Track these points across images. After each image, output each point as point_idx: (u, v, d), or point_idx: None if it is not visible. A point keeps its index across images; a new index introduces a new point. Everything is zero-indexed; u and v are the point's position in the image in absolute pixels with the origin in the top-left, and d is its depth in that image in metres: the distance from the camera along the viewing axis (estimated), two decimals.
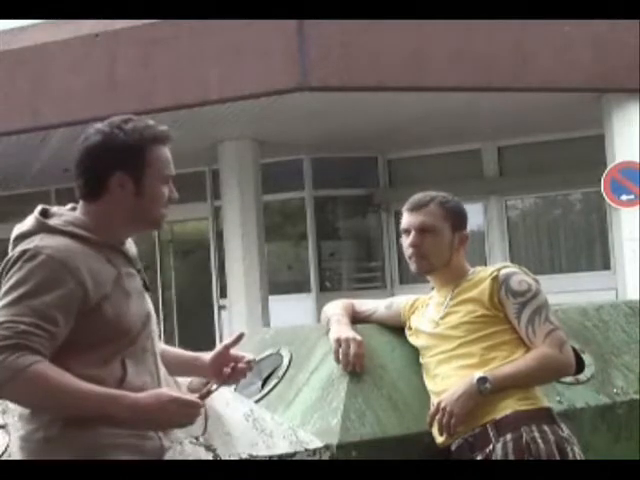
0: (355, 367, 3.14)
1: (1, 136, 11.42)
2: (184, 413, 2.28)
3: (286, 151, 13.55)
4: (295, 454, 2.85)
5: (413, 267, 3.16)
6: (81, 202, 2.39)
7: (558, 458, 2.80)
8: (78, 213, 2.38)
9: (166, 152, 2.40)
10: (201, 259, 15.00)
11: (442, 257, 3.12)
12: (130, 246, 2.45)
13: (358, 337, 3.19)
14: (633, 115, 10.81)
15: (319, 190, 14.50)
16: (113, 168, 2.33)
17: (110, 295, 2.28)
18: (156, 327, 2.46)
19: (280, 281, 14.21)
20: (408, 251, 3.14)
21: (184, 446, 2.48)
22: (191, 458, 2.51)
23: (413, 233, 3.12)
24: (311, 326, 3.87)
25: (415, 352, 3.20)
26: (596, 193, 11.78)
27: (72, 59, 10.84)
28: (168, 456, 2.36)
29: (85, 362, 2.25)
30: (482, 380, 2.88)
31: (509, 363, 2.94)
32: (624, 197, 10.90)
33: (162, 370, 2.43)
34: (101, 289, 2.26)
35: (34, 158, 12.76)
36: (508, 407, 2.88)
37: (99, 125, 2.38)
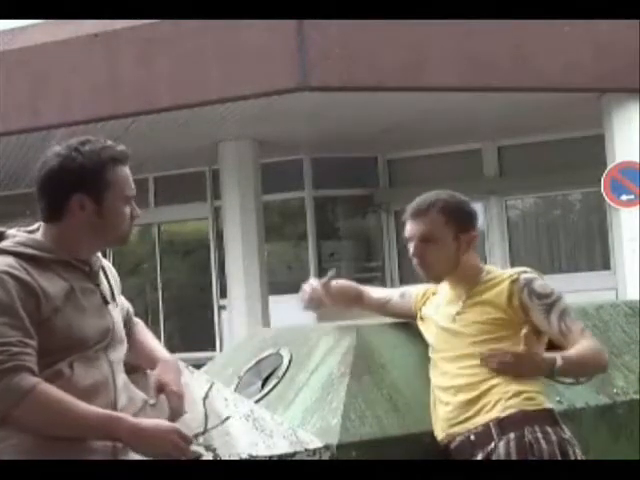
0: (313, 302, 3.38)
1: (1, 136, 11.41)
2: (179, 446, 2.28)
3: (286, 151, 13.54)
4: (295, 454, 2.84)
5: (421, 276, 3.14)
6: (43, 224, 2.41)
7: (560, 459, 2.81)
8: (37, 234, 2.39)
9: (126, 172, 2.41)
10: (201, 259, 14.99)
11: (447, 265, 3.08)
12: (96, 261, 2.45)
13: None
14: (633, 115, 10.80)
15: (319, 190, 14.49)
16: (72, 190, 2.35)
17: (61, 309, 2.28)
18: (122, 338, 2.45)
19: (280, 281, 14.18)
20: (413, 260, 3.12)
21: None
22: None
23: (414, 243, 3.09)
24: (311, 326, 3.86)
25: (416, 352, 3.20)
26: (596, 193, 11.77)
27: (72, 59, 10.83)
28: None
29: None
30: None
31: (571, 350, 2.95)
32: (624, 197, 10.89)
33: (121, 377, 2.42)
34: (52, 302, 2.27)
35: (34, 158, 12.73)
36: (514, 406, 2.88)
37: (57, 148, 2.40)
